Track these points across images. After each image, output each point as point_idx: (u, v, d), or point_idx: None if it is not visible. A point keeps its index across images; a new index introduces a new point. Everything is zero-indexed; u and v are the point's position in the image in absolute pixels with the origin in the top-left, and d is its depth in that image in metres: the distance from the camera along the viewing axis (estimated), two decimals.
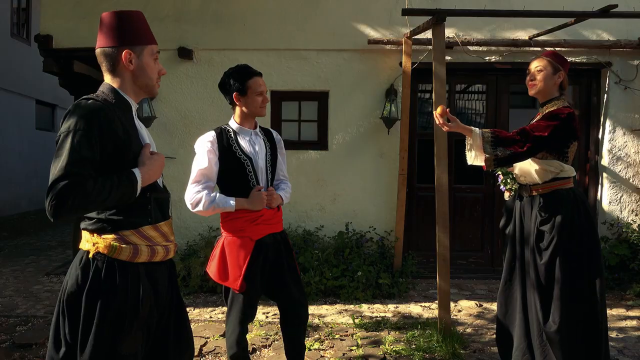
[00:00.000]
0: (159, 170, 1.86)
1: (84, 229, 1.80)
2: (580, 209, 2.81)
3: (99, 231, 1.76)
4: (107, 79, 1.85)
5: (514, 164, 2.95)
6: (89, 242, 1.76)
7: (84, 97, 1.75)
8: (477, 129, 2.88)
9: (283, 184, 2.97)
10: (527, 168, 2.90)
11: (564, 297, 2.71)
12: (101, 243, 1.74)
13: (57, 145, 1.65)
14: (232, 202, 2.65)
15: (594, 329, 2.77)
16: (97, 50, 1.82)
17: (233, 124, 2.81)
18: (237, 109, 2.77)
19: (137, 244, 1.79)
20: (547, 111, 2.87)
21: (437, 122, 2.95)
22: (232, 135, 2.76)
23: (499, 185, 3.08)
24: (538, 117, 2.94)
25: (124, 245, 1.76)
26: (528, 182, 2.92)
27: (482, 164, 2.88)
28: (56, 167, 1.60)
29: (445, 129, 2.92)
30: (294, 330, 2.92)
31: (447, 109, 2.97)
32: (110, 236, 1.75)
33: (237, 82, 2.71)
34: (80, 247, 1.81)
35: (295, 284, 2.85)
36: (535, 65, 2.91)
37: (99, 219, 1.76)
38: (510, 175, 2.97)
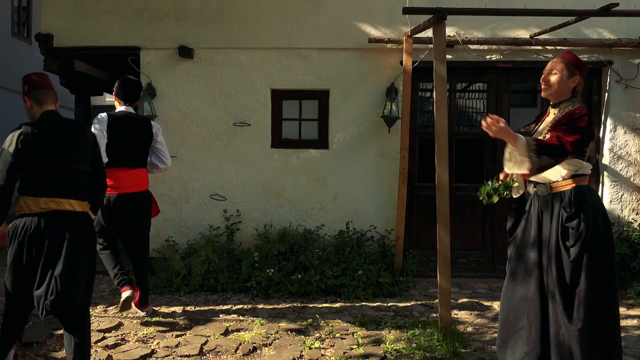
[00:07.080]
0: None
1: (82, 200, 2.88)
2: (599, 205, 2.82)
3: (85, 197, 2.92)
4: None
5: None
6: (83, 205, 2.89)
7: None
8: (522, 136, 2.72)
9: None
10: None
11: (588, 295, 2.70)
12: (87, 205, 2.94)
13: None
14: None
15: (611, 325, 2.76)
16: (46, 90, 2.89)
17: None
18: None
19: None
20: (564, 112, 2.85)
21: (486, 123, 2.66)
22: None
23: (486, 192, 2.98)
24: (553, 117, 2.91)
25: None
26: (547, 181, 2.90)
27: (525, 171, 2.77)
28: None
29: (493, 129, 2.66)
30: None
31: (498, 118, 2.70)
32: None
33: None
34: (78, 209, 2.84)
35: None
36: (552, 67, 2.87)
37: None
38: (510, 182, 2.93)
